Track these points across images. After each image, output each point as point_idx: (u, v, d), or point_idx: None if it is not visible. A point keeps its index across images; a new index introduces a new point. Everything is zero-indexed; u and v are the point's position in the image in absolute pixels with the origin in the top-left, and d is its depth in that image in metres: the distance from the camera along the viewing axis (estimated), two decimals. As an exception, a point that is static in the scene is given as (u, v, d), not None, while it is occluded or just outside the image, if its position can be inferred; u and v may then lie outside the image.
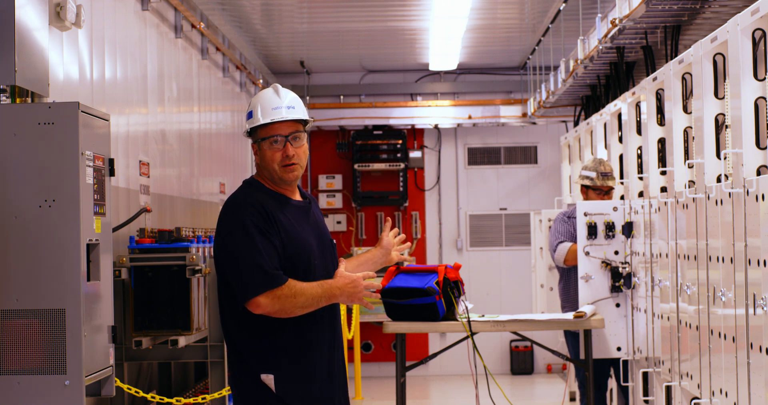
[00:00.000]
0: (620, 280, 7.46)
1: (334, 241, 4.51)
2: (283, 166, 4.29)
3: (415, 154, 14.37)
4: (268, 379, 4.17)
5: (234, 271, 4.17)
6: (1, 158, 5.18)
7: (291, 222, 4.26)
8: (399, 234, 4.69)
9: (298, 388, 4.20)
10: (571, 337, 8.09)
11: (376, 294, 4.35)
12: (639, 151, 7.36)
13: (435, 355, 7.34)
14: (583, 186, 8.04)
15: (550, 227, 8.43)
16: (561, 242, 7.91)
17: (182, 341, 6.82)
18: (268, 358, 4.18)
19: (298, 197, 4.39)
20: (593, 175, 7.98)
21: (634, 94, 7.35)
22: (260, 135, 4.30)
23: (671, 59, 6.74)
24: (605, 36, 7.75)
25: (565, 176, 11.52)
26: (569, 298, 8.01)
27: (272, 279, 4.13)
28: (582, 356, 7.30)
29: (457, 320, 6.81)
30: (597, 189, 7.99)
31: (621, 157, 8.04)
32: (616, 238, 7.55)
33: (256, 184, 4.36)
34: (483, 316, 7.16)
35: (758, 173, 4.81)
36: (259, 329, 4.19)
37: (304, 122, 4.35)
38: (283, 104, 4.31)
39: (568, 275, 8.06)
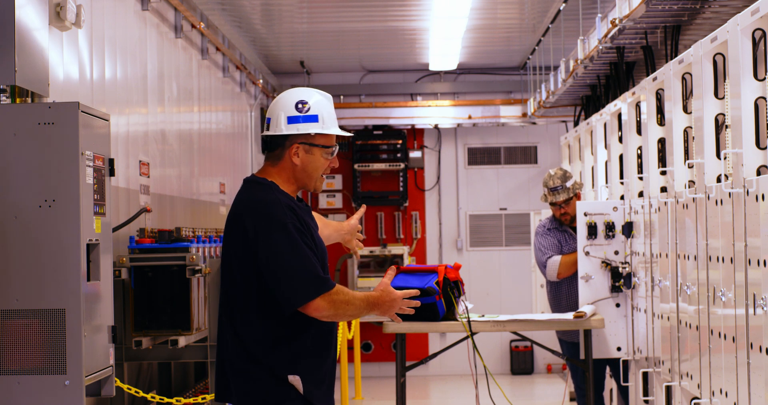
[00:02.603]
0: (620, 280, 7.46)
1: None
2: (321, 176, 4.31)
3: (415, 154, 14.37)
4: (295, 379, 4.13)
5: (282, 274, 4.07)
6: (1, 158, 5.18)
7: (309, 225, 4.25)
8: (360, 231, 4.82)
9: (319, 389, 4.20)
10: (566, 346, 8.07)
11: (410, 310, 4.35)
12: (639, 151, 7.36)
13: (435, 355, 7.35)
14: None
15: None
16: (549, 258, 7.90)
17: (182, 341, 6.82)
18: (291, 361, 4.14)
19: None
20: (544, 191, 8.01)
21: (634, 94, 7.35)
22: (319, 141, 4.25)
23: (671, 59, 6.74)
24: (605, 36, 7.75)
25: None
26: (560, 308, 8.00)
27: (326, 281, 4.10)
28: (581, 357, 7.30)
29: (457, 320, 6.81)
30: (552, 204, 8.00)
31: (621, 157, 8.03)
32: (616, 238, 7.55)
33: (273, 186, 4.25)
34: (483, 316, 7.16)
35: (758, 173, 4.81)
36: (281, 333, 4.14)
37: None
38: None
39: (557, 286, 8.05)
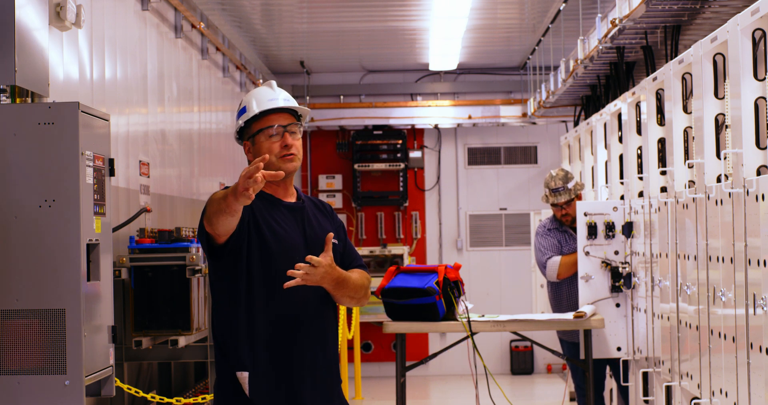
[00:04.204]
0: (620, 280, 7.46)
1: (336, 241, 4.32)
2: (281, 157, 4.20)
3: (415, 154, 14.37)
4: (243, 376, 4.08)
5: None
6: (1, 158, 5.18)
7: (276, 220, 4.17)
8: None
9: (272, 390, 4.10)
10: (566, 346, 8.07)
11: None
12: (639, 151, 7.36)
13: (435, 355, 7.34)
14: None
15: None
16: (549, 258, 7.89)
17: (182, 341, 6.82)
18: (245, 355, 4.09)
19: (290, 199, 4.29)
20: (546, 192, 8.00)
21: (634, 94, 7.35)
22: (255, 128, 4.23)
23: (671, 59, 6.74)
24: (605, 36, 7.75)
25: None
26: (561, 308, 8.00)
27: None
28: (581, 357, 7.30)
29: (457, 320, 6.82)
30: (553, 205, 7.99)
31: (621, 157, 8.03)
32: (616, 238, 7.55)
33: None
34: (483, 316, 7.16)
35: (758, 173, 4.81)
36: (239, 323, 4.11)
37: (299, 118, 4.31)
38: (279, 96, 4.28)
39: (558, 286, 8.05)
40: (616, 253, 7.56)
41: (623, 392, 7.91)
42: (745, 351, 4.77)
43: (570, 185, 7.94)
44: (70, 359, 5.13)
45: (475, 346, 6.75)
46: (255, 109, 4.23)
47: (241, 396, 4.10)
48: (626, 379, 7.52)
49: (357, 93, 14.14)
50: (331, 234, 4.16)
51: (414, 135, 14.42)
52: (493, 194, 14.48)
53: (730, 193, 4.96)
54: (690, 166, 6.12)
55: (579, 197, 8.08)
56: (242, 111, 4.28)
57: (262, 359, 4.11)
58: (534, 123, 13.99)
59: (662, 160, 6.82)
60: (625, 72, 8.50)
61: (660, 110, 6.82)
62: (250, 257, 4.13)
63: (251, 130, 4.25)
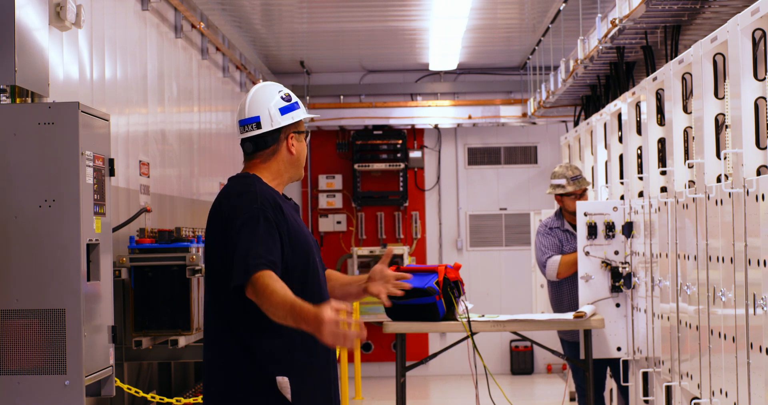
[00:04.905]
0: (620, 280, 7.46)
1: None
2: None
3: (415, 154, 14.37)
4: (283, 381, 3.96)
5: (234, 256, 3.92)
6: (1, 158, 5.18)
7: (298, 222, 4.14)
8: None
9: (312, 392, 4.04)
10: (567, 346, 8.07)
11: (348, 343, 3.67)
12: (639, 151, 7.36)
13: (435, 355, 7.35)
14: (557, 195, 8.06)
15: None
16: (549, 257, 7.90)
17: (182, 341, 6.82)
18: (285, 358, 3.98)
19: None
20: (563, 182, 8.00)
21: (634, 94, 7.35)
22: (300, 128, 4.22)
23: (671, 59, 6.74)
24: (605, 36, 7.75)
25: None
26: (562, 307, 8.00)
27: (262, 263, 3.87)
28: (581, 357, 7.30)
29: (457, 320, 6.82)
30: (571, 194, 7.99)
31: (621, 157, 8.04)
32: (616, 238, 7.56)
33: (255, 177, 4.17)
34: (483, 316, 7.17)
35: (758, 173, 4.81)
36: (278, 328, 3.92)
37: None
38: None
39: (558, 286, 8.05)
40: (616, 253, 7.56)
41: (623, 392, 7.91)
42: (745, 351, 4.77)
43: (583, 174, 8.08)
44: (70, 359, 5.13)
45: (475, 346, 6.75)
46: (304, 111, 4.23)
47: (278, 398, 3.98)
48: (626, 379, 7.52)
49: (357, 93, 14.14)
50: (392, 248, 4.26)
51: (414, 135, 14.42)
52: (493, 194, 14.48)
53: (730, 193, 4.96)
54: (690, 166, 6.12)
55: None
56: (297, 106, 4.21)
57: (306, 362, 4.03)
58: (534, 123, 13.99)
59: (662, 160, 6.82)
60: (625, 72, 8.50)
61: (660, 110, 6.82)
62: (288, 264, 4.02)
63: (299, 127, 4.22)
